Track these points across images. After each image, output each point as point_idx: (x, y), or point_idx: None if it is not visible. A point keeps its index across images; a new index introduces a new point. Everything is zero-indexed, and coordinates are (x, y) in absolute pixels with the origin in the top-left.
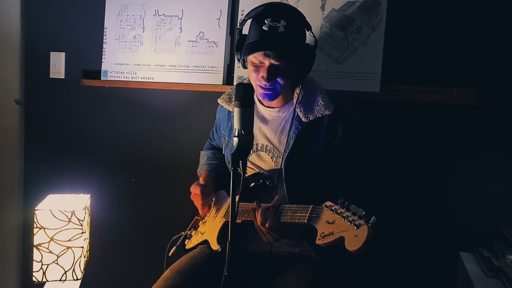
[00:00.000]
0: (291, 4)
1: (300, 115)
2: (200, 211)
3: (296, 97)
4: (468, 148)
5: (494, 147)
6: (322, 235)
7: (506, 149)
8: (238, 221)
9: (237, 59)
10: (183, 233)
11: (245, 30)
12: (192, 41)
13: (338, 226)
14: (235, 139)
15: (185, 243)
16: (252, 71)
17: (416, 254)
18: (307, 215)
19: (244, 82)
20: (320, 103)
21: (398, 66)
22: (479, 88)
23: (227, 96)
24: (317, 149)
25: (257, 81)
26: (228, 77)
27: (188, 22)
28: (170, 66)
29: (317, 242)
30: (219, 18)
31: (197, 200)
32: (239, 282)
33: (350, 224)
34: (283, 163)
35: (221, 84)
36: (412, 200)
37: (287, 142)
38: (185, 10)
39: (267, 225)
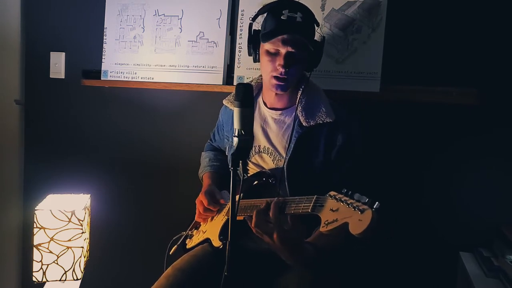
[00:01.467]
0: None
1: (302, 119)
2: (196, 217)
3: (299, 101)
4: (468, 148)
5: (494, 147)
6: (326, 222)
7: (506, 149)
8: (240, 217)
9: (248, 53)
10: (184, 233)
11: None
12: (192, 41)
13: (342, 212)
14: (235, 139)
15: (186, 242)
16: (268, 61)
17: (416, 254)
18: (311, 204)
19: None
20: (322, 110)
21: (398, 66)
22: (479, 88)
23: (233, 98)
24: (316, 154)
25: (272, 71)
26: (228, 77)
27: (188, 22)
28: (170, 66)
29: (321, 229)
30: (219, 18)
31: (199, 208)
32: (239, 280)
33: (354, 209)
34: (285, 165)
35: (221, 84)
36: (412, 200)
37: (288, 145)
38: (185, 10)
39: (271, 214)
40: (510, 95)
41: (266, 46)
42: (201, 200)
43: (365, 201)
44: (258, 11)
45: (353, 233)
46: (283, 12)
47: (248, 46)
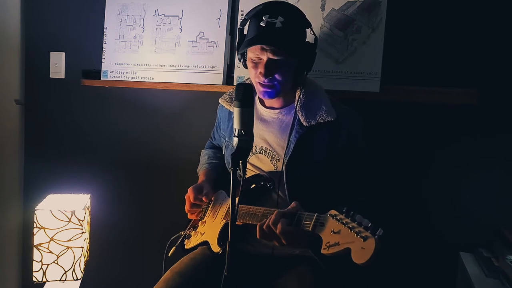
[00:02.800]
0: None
1: (302, 119)
2: (188, 214)
3: (297, 100)
4: (468, 148)
5: (494, 147)
6: (328, 244)
7: (506, 149)
8: (238, 223)
9: (238, 59)
10: (182, 233)
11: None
12: (192, 41)
13: (344, 236)
14: (235, 139)
15: (184, 243)
16: (252, 68)
17: (416, 254)
18: (312, 223)
19: (246, 82)
20: (323, 108)
21: (398, 66)
22: (479, 87)
23: (229, 96)
24: (318, 154)
25: (256, 78)
26: (228, 77)
27: (188, 22)
28: (170, 66)
29: (323, 251)
30: (219, 18)
31: (187, 203)
32: (239, 283)
33: (357, 235)
34: (284, 166)
35: (221, 84)
36: (412, 200)
37: (287, 146)
38: (185, 10)
39: (278, 227)
40: (510, 95)
41: (249, 54)
42: (188, 195)
43: (367, 225)
44: (245, 16)
45: (356, 262)
46: (263, 17)
47: (237, 52)
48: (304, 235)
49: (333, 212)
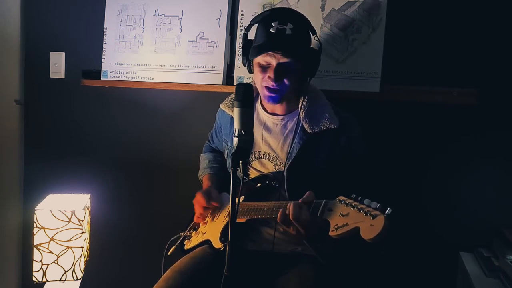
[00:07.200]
0: (291, 4)
1: (305, 126)
2: (195, 218)
3: (301, 107)
4: (468, 148)
5: (494, 147)
6: (336, 226)
7: (506, 149)
8: (242, 220)
9: (243, 64)
10: (182, 233)
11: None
12: (192, 41)
13: (353, 217)
14: (235, 139)
15: (184, 243)
16: (259, 72)
17: (416, 254)
18: (320, 209)
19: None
20: (326, 116)
21: (398, 66)
22: (479, 88)
23: (230, 102)
24: (320, 159)
25: (263, 82)
26: (228, 77)
27: (188, 22)
28: (170, 66)
29: (330, 233)
30: (219, 18)
31: (198, 209)
32: (240, 281)
33: (366, 215)
34: (285, 171)
35: (221, 84)
36: (412, 200)
37: (290, 151)
38: (185, 10)
39: (302, 220)
40: (510, 95)
41: (257, 59)
42: (198, 199)
43: (376, 206)
44: (251, 21)
45: (364, 238)
46: (272, 24)
47: (242, 57)
48: (316, 222)
49: (341, 197)
